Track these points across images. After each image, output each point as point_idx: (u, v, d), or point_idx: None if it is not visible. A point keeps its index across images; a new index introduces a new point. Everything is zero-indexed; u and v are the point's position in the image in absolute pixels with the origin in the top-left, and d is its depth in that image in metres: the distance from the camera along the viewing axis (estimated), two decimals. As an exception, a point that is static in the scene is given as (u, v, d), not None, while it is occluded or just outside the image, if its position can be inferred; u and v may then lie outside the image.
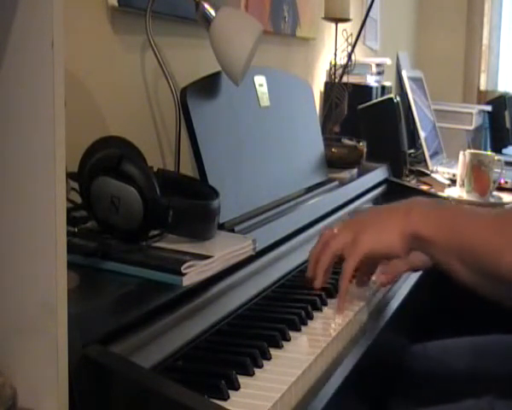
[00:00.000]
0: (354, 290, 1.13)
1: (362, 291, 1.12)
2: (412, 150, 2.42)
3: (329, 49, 2.18)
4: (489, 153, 2.13)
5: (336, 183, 1.56)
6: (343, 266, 1.03)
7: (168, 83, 1.22)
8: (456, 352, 1.26)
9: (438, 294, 1.03)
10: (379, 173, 1.81)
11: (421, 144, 2.35)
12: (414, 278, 1.27)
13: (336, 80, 2.00)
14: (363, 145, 1.74)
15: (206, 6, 1.15)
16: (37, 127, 0.66)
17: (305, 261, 1.26)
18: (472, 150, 2.06)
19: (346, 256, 1.03)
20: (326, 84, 2.20)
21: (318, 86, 2.21)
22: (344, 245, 1.03)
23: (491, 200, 1.95)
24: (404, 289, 1.22)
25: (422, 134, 2.34)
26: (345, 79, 2.00)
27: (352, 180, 1.63)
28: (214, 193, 1.04)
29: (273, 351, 0.88)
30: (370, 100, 2.17)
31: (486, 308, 1.06)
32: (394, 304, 1.17)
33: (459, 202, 1.88)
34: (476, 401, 1.07)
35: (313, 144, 1.55)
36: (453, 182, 2.08)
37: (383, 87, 2.35)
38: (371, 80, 2.25)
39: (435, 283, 1.23)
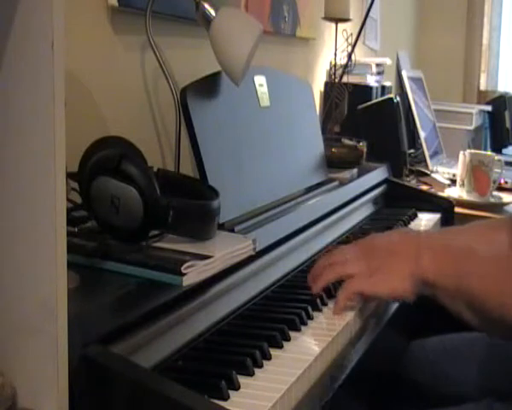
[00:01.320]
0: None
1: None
2: (412, 150, 2.42)
3: (329, 49, 2.18)
4: (489, 153, 2.13)
5: (336, 183, 1.56)
6: (347, 283, 1.03)
7: (168, 83, 1.22)
8: (455, 348, 1.26)
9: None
10: (379, 173, 1.81)
11: (421, 144, 2.35)
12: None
13: (336, 80, 2.00)
14: (363, 145, 1.74)
15: (206, 6, 1.15)
16: (37, 127, 0.66)
17: (306, 261, 1.27)
18: (472, 150, 2.06)
19: (352, 280, 1.03)
20: (326, 84, 2.20)
21: (318, 86, 2.21)
22: (354, 275, 1.04)
23: (491, 200, 1.95)
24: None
25: (422, 134, 2.34)
26: (345, 79, 2.00)
27: (351, 180, 1.63)
28: (214, 193, 1.04)
29: (273, 351, 0.88)
30: (370, 100, 2.17)
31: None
32: (393, 306, 1.17)
33: (459, 202, 1.88)
34: (476, 404, 1.07)
35: (313, 144, 1.55)
36: (453, 182, 2.08)
37: (383, 87, 2.35)
38: (371, 80, 2.25)
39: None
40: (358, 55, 2.12)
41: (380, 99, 2.19)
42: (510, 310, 0.93)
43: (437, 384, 1.22)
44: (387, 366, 1.24)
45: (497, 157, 2.00)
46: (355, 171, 1.70)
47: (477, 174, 1.94)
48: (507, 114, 3.12)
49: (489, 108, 3.06)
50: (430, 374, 1.24)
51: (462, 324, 1.01)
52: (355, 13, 2.17)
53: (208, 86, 1.21)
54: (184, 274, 0.86)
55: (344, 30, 1.99)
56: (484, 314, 0.96)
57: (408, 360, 1.28)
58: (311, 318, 1.02)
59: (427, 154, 2.30)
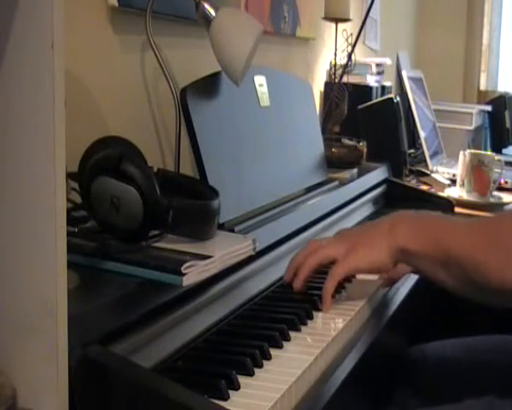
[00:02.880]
0: (354, 291, 1.13)
1: (361, 292, 1.12)
2: (412, 150, 2.42)
3: (329, 49, 2.18)
4: (489, 153, 2.13)
5: (336, 183, 1.56)
6: (331, 271, 1.04)
7: (168, 83, 1.22)
8: (456, 353, 1.26)
9: (437, 295, 1.04)
10: (379, 173, 1.81)
11: (421, 144, 2.35)
12: (413, 279, 1.27)
13: (336, 80, 2.00)
14: (363, 145, 1.74)
15: (206, 6, 1.15)
16: (37, 127, 0.66)
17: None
18: (472, 150, 2.06)
19: (333, 268, 1.05)
20: (326, 84, 2.19)
21: (318, 86, 2.21)
22: (334, 256, 1.05)
23: (491, 200, 1.95)
24: (403, 290, 1.22)
25: (422, 134, 2.34)
26: (345, 79, 2.00)
27: (352, 180, 1.63)
28: (214, 193, 1.04)
29: (273, 351, 0.88)
30: (370, 100, 2.17)
31: (485, 309, 1.06)
32: (393, 305, 1.17)
33: (459, 202, 1.88)
34: (475, 401, 1.07)
35: (313, 144, 1.55)
36: (453, 182, 2.08)
37: (383, 87, 2.35)
38: (371, 80, 2.25)
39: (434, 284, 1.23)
40: (358, 55, 2.12)
41: (380, 99, 2.19)
42: (486, 268, 0.96)
43: (437, 389, 1.22)
44: (387, 367, 1.24)
45: (497, 157, 2.00)
46: (355, 171, 1.70)
47: (477, 174, 1.94)
48: (507, 114, 3.12)
49: (489, 108, 3.06)
50: (430, 377, 1.24)
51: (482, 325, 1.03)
52: (355, 13, 2.17)
53: (208, 86, 1.21)
54: (184, 274, 0.86)
55: (344, 30, 1.98)
56: (464, 279, 0.99)
57: (409, 363, 1.28)
58: (311, 318, 1.02)
59: (427, 154, 2.30)
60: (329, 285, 1.04)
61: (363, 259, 1.04)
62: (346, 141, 1.78)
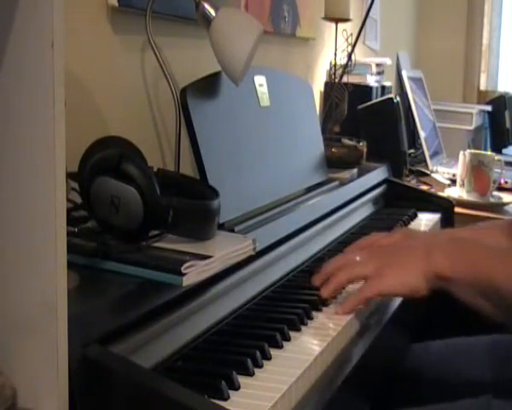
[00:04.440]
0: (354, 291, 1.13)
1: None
2: (412, 150, 2.42)
3: (329, 49, 2.18)
4: (489, 153, 2.13)
5: (336, 183, 1.56)
6: (362, 287, 1.03)
7: (168, 83, 1.22)
8: (457, 351, 1.26)
9: (438, 293, 1.04)
10: (379, 173, 1.81)
11: (421, 144, 2.35)
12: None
13: (336, 80, 2.00)
14: (363, 145, 1.74)
15: (206, 6, 1.15)
16: (37, 127, 0.66)
17: (306, 261, 1.27)
18: (472, 150, 2.06)
19: (366, 285, 1.03)
20: (326, 84, 2.19)
21: (318, 86, 2.21)
22: (366, 276, 1.03)
23: (491, 200, 1.95)
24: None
25: (422, 134, 2.34)
26: (345, 79, 2.00)
27: (352, 180, 1.63)
28: (214, 193, 1.04)
29: (273, 351, 0.88)
30: (370, 100, 2.17)
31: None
32: (394, 304, 1.17)
33: (459, 202, 1.88)
34: (474, 400, 1.07)
35: (313, 144, 1.55)
36: (453, 182, 2.08)
37: (383, 87, 2.35)
38: (371, 80, 2.25)
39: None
40: (358, 55, 2.12)
41: (380, 99, 2.19)
42: None
43: (438, 386, 1.22)
44: (388, 367, 1.24)
45: (497, 157, 2.00)
46: (355, 171, 1.70)
47: (477, 174, 1.94)
48: (507, 114, 3.12)
49: (489, 108, 3.06)
50: (431, 376, 1.24)
51: (482, 324, 1.02)
52: (355, 13, 2.17)
53: (208, 86, 1.21)
54: (184, 274, 0.86)
55: (344, 30, 1.98)
56: (503, 305, 0.96)
57: (409, 363, 1.28)
58: (311, 318, 1.01)
59: (427, 154, 2.30)
60: (356, 301, 1.02)
61: (397, 281, 1.01)
62: (346, 141, 1.78)
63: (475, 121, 2.78)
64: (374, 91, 2.23)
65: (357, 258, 1.07)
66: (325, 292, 1.05)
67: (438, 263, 0.99)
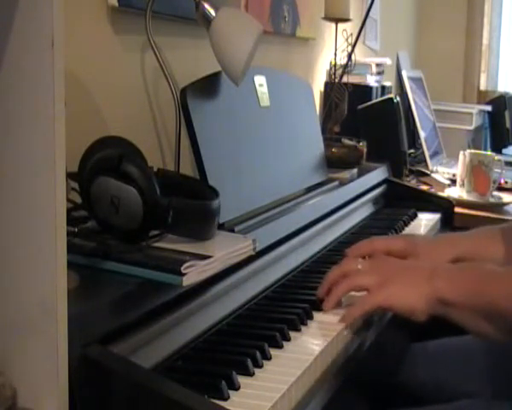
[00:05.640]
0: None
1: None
2: (412, 150, 2.42)
3: (329, 49, 2.18)
4: (489, 153, 2.13)
5: (336, 183, 1.56)
6: (363, 298, 1.02)
7: (168, 83, 1.22)
8: (455, 351, 1.26)
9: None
10: (379, 173, 1.81)
11: (421, 144, 2.35)
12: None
13: (336, 80, 2.00)
14: (363, 145, 1.74)
15: (206, 6, 1.15)
16: (37, 127, 0.66)
17: (306, 261, 1.27)
18: (472, 150, 2.06)
19: (366, 297, 1.02)
20: (326, 84, 2.19)
21: (318, 86, 2.21)
22: (368, 287, 1.02)
23: (491, 200, 1.95)
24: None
25: (422, 134, 2.34)
26: (345, 79, 2.00)
27: (352, 180, 1.63)
28: (214, 193, 1.04)
29: (273, 351, 0.88)
30: (370, 100, 2.17)
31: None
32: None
33: (459, 202, 1.88)
34: (473, 400, 1.07)
35: (313, 144, 1.55)
36: (453, 182, 2.08)
37: (383, 87, 2.35)
38: (371, 80, 2.25)
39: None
40: (358, 55, 2.12)
41: (380, 99, 2.19)
42: None
43: (437, 386, 1.22)
44: (388, 367, 1.24)
45: (497, 157, 2.00)
46: (355, 171, 1.70)
47: (477, 174, 1.94)
48: (507, 114, 3.12)
49: (489, 108, 3.06)
50: (431, 376, 1.24)
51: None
52: (355, 13, 2.17)
53: (208, 86, 1.21)
54: (184, 274, 0.86)
55: (344, 30, 1.98)
56: (506, 325, 0.95)
57: (409, 362, 1.28)
58: (311, 318, 1.01)
59: (427, 154, 2.30)
60: (357, 312, 1.01)
61: (397, 298, 1.00)
62: (346, 141, 1.78)
63: (475, 121, 2.78)
64: (374, 91, 2.23)
65: (359, 266, 1.06)
66: (328, 305, 1.04)
67: (441, 287, 0.98)
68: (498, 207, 1.94)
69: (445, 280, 0.99)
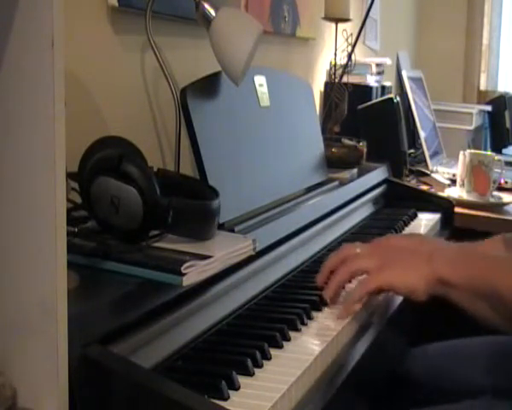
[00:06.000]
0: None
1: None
2: (412, 150, 2.41)
3: (329, 49, 2.18)
4: (489, 153, 2.13)
5: (336, 183, 1.56)
6: (364, 280, 1.03)
7: (168, 83, 1.22)
8: (455, 353, 1.26)
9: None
10: (379, 173, 1.81)
11: (421, 144, 2.35)
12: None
13: (336, 80, 2.00)
14: (363, 145, 1.74)
15: (206, 6, 1.15)
16: (37, 127, 0.66)
17: (306, 261, 1.27)
18: (472, 150, 2.06)
19: (366, 279, 1.03)
20: (326, 84, 2.19)
21: (318, 86, 2.21)
22: (367, 269, 1.03)
23: (491, 200, 1.95)
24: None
25: (422, 134, 2.34)
26: (345, 79, 2.00)
27: (352, 180, 1.63)
28: (214, 193, 1.04)
29: (273, 351, 0.88)
30: (370, 100, 2.17)
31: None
32: (394, 305, 1.17)
33: (459, 202, 1.88)
34: (474, 402, 1.07)
35: (313, 144, 1.55)
36: (453, 182, 2.08)
37: (383, 87, 2.35)
38: (371, 80, 2.25)
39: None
40: (358, 55, 2.12)
41: (380, 99, 2.19)
42: None
43: (437, 386, 1.22)
44: (388, 367, 1.24)
45: (497, 157, 2.00)
46: (355, 171, 1.70)
47: (477, 174, 1.94)
48: (507, 114, 3.12)
49: (489, 108, 3.06)
50: (431, 378, 1.24)
51: (480, 325, 1.01)
52: (355, 13, 2.17)
53: (208, 86, 1.21)
54: (184, 274, 0.86)
55: (344, 30, 1.98)
56: (506, 313, 0.96)
57: (408, 365, 1.28)
58: (311, 318, 1.02)
59: (427, 154, 2.30)
60: (358, 294, 1.01)
61: (398, 278, 1.01)
62: (346, 141, 1.78)
63: (475, 121, 2.78)
64: (374, 91, 2.23)
65: (358, 250, 1.07)
66: (328, 292, 1.04)
67: (440, 268, 0.99)
68: (498, 207, 1.94)
69: (446, 261, 1.00)
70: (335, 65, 2.01)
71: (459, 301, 1.00)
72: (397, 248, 1.08)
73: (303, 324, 0.99)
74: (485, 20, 3.46)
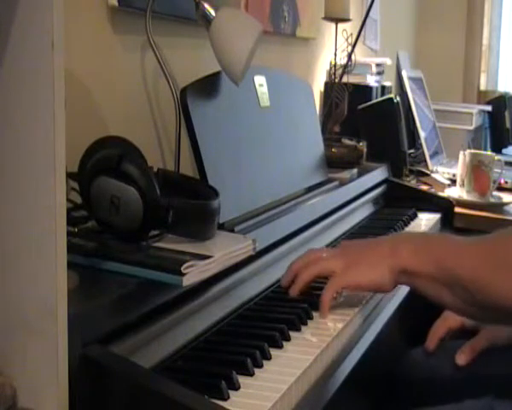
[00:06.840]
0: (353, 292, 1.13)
1: (361, 293, 1.12)
2: (412, 150, 2.41)
3: (329, 49, 2.18)
4: (489, 153, 2.13)
5: (336, 183, 1.56)
6: (330, 281, 1.03)
7: (168, 83, 1.22)
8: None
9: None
10: (379, 173, 1.81)
11: (421, 144, 2.35)
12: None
13: (336, 80, 2.00)
14: (363, 145, 1.74)
15: (206, 6, 1.15)
16: (37, 127, 0.66)
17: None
18: (472, 150, 2.06)
19: (332, 279, 1.04)
20: (326, 84, 2.19)
21: (318, 86, 2.21)
22: (333, 270, 1.04)
23: (491, 200, 1.95)
24: (402, 291, 1.22)
25: (422, 134, 2.34)
26: (345, 79, 2.00)
27: (352, 180, 1.63)
28: (214, 193, 1.04)
29: (273, 351, 0.88)
30: (370, 100, 2.17)
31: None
32: (393, 306, 1.17)
33: (459, 202, 1.88)
34: (475, 402, 1.07)
35: (313, 144, 1.55)
36: (453, 182, 2.08)
37: (383, 87, 2.35)
38: (371, 80, 2.25)
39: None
40: (358, 55, 2.12)
41: (380, 99, 2.19)
42: (492, 290, 0.94)
43: (439, 388, 1.22)
44: (387, 367, 1.24)
45: (497, 157, 2.00)
46: (355, 171, 1.70)
47: (477, 174, 1.94)
48: (507, 114, 3.12)
49: (489, 108, 3.06)
50: (431, 379, 1.24)
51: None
52: (355, 13, 2.17)
53: (208, 86, 1.21)
54: (184, 274, 0.86)
55: (344, 30, 1.98)
56: (468, 299, 0.97)
57: (409, 366, 1.28)
58: (311, 318, 1.02)
59: (427, 154, 2.30)
60: (327, 296, 1.02)
61: (363, 276, 1.03)
62: (346, 141, 1.78)
63: (475, 121, 2.78)
64: (374, 91, 2.23)
65: (324, 255, 1.08)
66: (293, 292, 1.06)
67: (403, 258, 1.01)
68: (498, 207, 1.94)
69: (408, 250, 1.01)
70: (335, 65, 2.01)
71: (424, 289, 1.01)
72: (360, 247, 1.09)
73: (303, 324, 0.99)
74: (485, 20, 3.46)
